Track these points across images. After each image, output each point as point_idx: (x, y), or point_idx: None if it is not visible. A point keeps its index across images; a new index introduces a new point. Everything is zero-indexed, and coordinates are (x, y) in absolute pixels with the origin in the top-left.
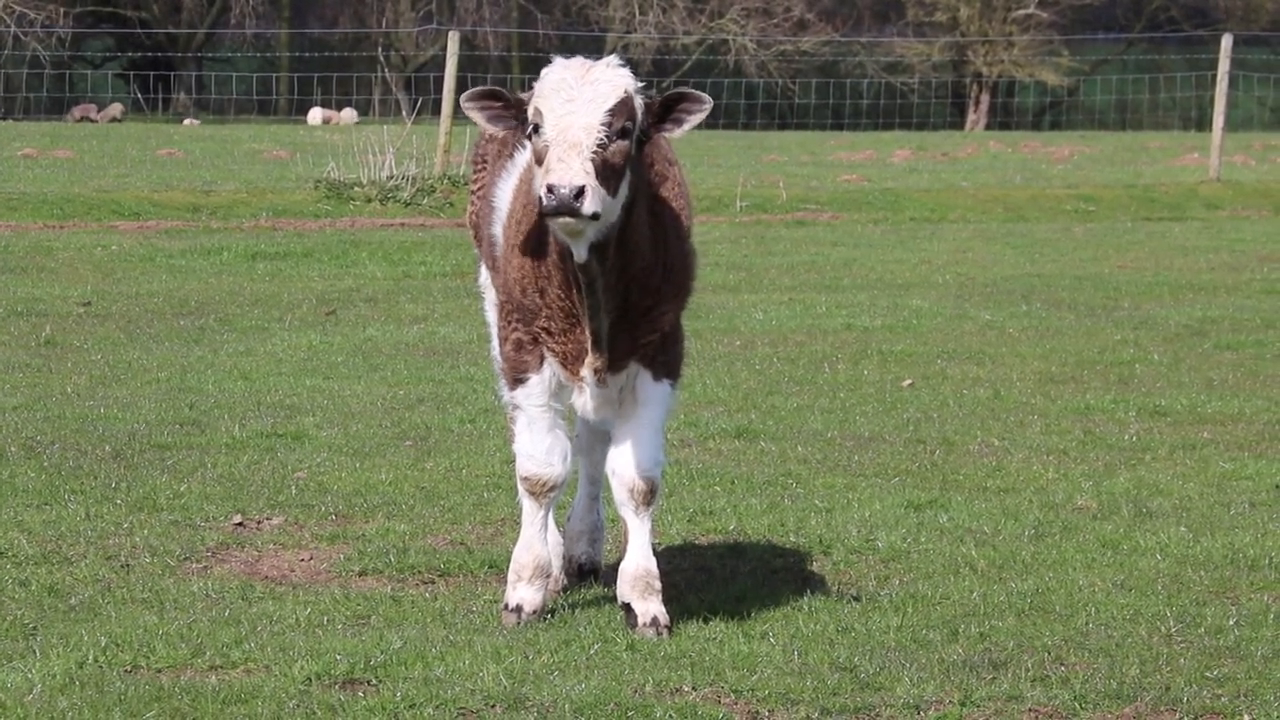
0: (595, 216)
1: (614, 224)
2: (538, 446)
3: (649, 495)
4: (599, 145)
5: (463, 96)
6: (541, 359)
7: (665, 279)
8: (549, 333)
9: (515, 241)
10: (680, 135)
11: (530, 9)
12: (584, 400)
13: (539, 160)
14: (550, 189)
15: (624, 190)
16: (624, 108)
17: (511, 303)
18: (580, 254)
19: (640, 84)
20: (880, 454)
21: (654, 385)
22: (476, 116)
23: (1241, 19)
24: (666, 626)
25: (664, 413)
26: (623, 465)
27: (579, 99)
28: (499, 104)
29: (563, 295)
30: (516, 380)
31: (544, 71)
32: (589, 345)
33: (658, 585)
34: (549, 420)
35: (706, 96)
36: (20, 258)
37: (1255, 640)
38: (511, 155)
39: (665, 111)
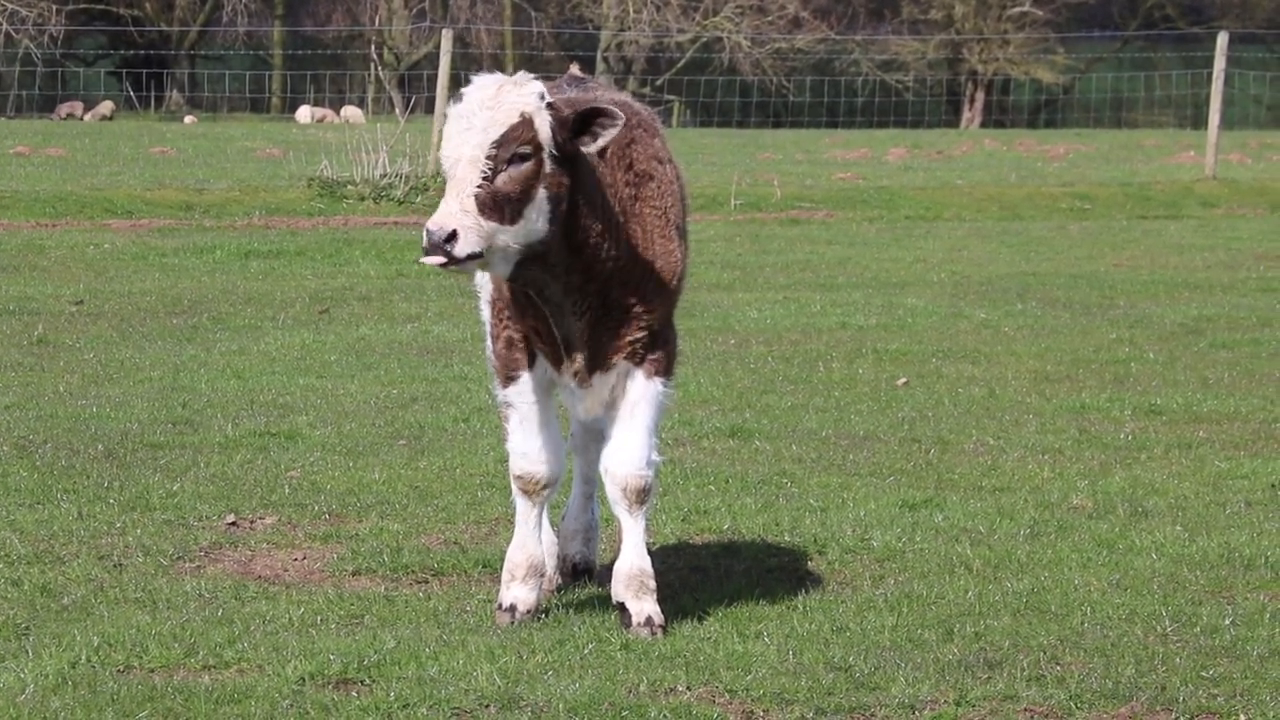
0: (474, 256)
1: (542, 239)
2: (531, 444)
3: (642, 495)
4: (484, 179)
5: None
6: (533, 356)
7: (648, 277)
8: (537, 332)
9: None
10: (596, 149)
11: (524, 7)
12: (574, 400)
13: None
14: (426, 230)
15: (536, 212)
16: (518, 133)
17: (503, 300)
18: (502, 273)
19: (547, 100)
20: (875, 453)
21: (646, 384)
22: None
23: (1237, 16)
24: (661, 626)
25: (657, 411)
26: (615, 464)
27: (475, 127)
28: None
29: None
30: (509, 378)
31: (462, 90)
32: (562, 349)
33: (652, 585)
34: (541, 418)
35: (620, 114)
36: (12, 256)
37: (1251, 640)
38: None
39: (583, 126)
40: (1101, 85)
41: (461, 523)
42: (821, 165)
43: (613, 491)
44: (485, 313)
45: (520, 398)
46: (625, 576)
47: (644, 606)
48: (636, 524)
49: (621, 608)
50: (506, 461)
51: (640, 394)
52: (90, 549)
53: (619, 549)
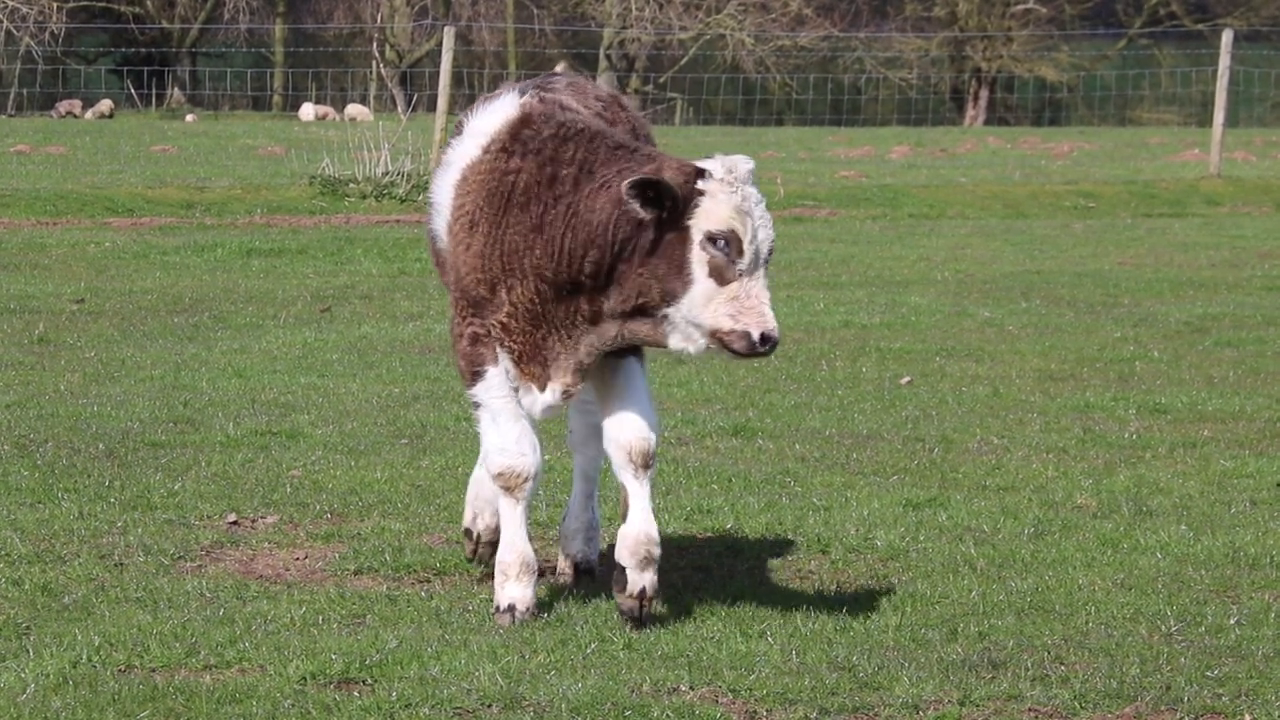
0: None
1: None
2: (506, 437)
3: (648, 458)
4: None
5: (624, 186)
6: (494, 352)
7: None
8: (506, 329)
9: (467, 240)
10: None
11: (526, 4)
12: (531, 399)
13: (721, 277)
14: (765, 339)
15: None
16: None
17: (466, 297)
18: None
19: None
20: (879, 452)
21: (631, 360)
22: (634, 205)
23: (1243, 14)
24: (651, 599)
25: (645, 379)
26: (620, 431)
27: (761, 223)
28: (652, 193)
29: (535, 301)
30: (475, 374)
31: (724, 173)
32: (569, 371)
33: (657, 553)
34: (512, 410)
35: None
36: (13, 254)
37: (1256, 639)
38: (448, 149)
39: None
40: (1106, 83)
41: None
42: (825, 163)
43: (619, 457)
44: None
45: (488, 393)
46: (633, 541)
47: (642, 578)
48: (643, 489)
49: (620, 572)
50: (484, 463)
51: (627, 367)
52: (91, 548)
53: (626, 514)
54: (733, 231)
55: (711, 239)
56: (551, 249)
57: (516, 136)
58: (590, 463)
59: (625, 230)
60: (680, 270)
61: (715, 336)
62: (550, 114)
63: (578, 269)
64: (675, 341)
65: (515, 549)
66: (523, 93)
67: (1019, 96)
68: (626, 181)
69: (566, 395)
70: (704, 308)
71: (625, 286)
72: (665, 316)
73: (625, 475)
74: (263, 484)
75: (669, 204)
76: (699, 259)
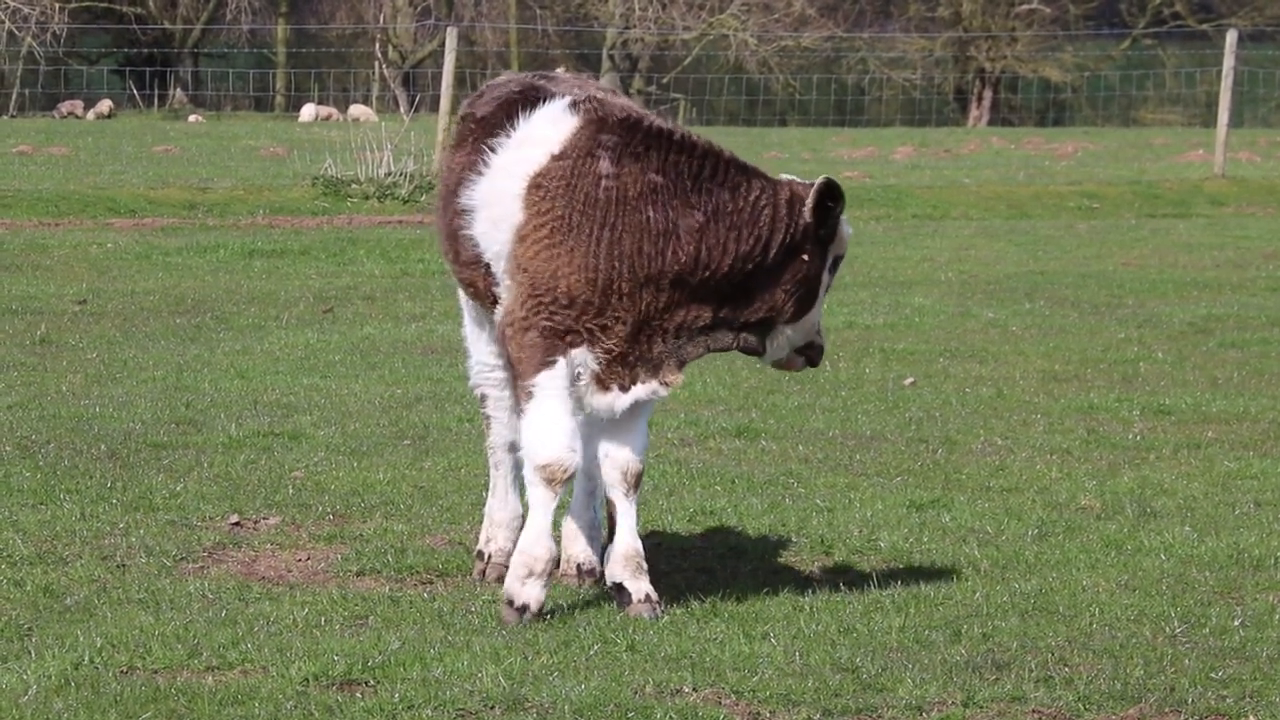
0: None
1: None
2: (560, 430)
3: (639, 479)
4: None
5: (820, 182)
6: (570, 347)
7: None
8: (606, 331)
9: (568, 242)
10: None
11: (529, 4)
12: (610, 398)
13: (824, 296)
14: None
15: None
16: None
17: (556, 296)
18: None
19: None
20: (882, 453)
21: None
22: (808, 208)
23: (1247, 14)
24: (658, 602)
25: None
26: (617, 450)
27: None
28: (831, 202)
29: (653, 304)
30: (544, 364)
31: (832, 203)
32: (673, 370)
33: (645, 565)
34: (570, 406)
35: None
36: (15, 255)
37: (1260, 641)
38: (478, 152)
39: None
40: (1110, 83)
41: (466, 523)
42: (828, 164)
43: (612, 475)
44: (468, 329)
45: (554, 381)
46: (622, 557)
47: (641, 585)
48: (631, 507)
49: (619, 588)
50: (518, 453)
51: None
52: (93, 549)
53: (613, 531)
54: (842, 257)
55: (836, 263)
56: (705, 256)
57: (598, 142)
58: (591, 460)
59: (780, 246)
60: (813, 289)
61: (806, 351)
62: (636, 118)
63: (731, 275)
64: (771, 353)
65: (544, 543)
66: (561, 96)
67: (1023, 97)
68: (821, 180)
69: (665, 386)
70: (812, 325)
71: (757, 300)
72: (778, 330)
73: (616, 493)
74: (265, 485)
75: (831, 221)
76: (826, 280)
